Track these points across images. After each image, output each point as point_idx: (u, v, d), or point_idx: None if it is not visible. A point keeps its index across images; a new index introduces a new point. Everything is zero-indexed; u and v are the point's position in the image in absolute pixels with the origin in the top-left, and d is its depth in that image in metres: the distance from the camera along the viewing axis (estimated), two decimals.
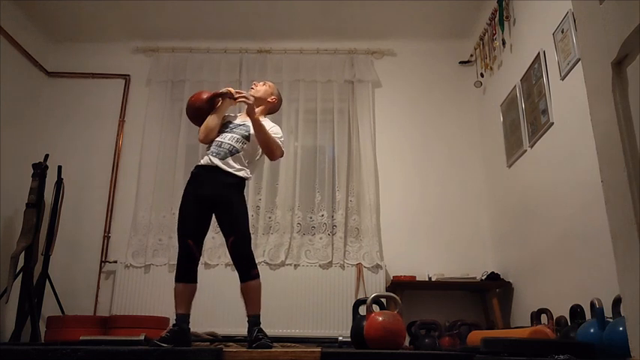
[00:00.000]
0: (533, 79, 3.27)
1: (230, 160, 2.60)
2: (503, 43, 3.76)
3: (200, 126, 2.73)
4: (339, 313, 3.83)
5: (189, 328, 2.51)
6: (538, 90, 3.18)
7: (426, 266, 3.96)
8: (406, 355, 1.88)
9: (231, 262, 2.54)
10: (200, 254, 2.57)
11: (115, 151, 4.44)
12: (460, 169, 4.33)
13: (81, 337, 2.78)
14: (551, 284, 3.00)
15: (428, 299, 3.93)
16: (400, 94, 4.55)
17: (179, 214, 2.61)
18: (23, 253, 3.66)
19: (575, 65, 2.70)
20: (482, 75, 4.24)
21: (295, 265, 4.02)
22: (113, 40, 4.68)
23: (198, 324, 3.38)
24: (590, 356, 1.51)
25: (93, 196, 4.31)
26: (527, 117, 3.36)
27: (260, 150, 2.72)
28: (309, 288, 3.93)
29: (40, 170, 3.83)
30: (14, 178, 4.05)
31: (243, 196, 2.63)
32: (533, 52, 3.26)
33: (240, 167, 2.61)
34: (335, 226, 4.12)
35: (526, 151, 3.38)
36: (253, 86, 2.90)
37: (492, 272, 3.75)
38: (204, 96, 2.76)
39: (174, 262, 2.61)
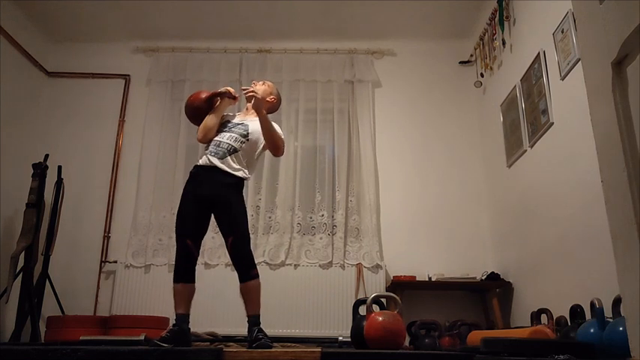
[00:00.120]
0: (533, 79, 3.27)
1: (229, 160, 2.59)
2: (503, 43, 3.76)
3: (199, 125, 2.73)
4: (339, 313, 3.83)
5: (190, 328, 2.51)
6: (538, 90, 3.18)
7: (426, 266, 3.96)
8: (406, 355, 1.88)
9: (231, 262, 2.53)
10: (198, 254, 2.56)
11: (115, 151, 4.44)
12: (460, 169, 4.33)
13: (81, 337, 2.78)
14: (551, 284, 3.00)
15: (428, 299, 3.93)
16: (400, 94, 4.55)
17: (178, 213, 2.60)
18: (23, 253, 3.66)
19: (575, 65, 2.70)
20: (482, 75, 4.24)
21: (295, 265, 4.02)
22: (113, 40, 4.68)
23: (198, 324, 3.38)
24: (590, 356, 1.51)
25: (93, 196, 4.31)
26: (527, 117, 3.36)
27: (259, 149, 2.72)
28: (309, 288, 3.93)
29: (40, 170, 3.83)
30: (14, 178, 4.05)
31: (242, 196, 2.63)
32: (533, 52, 3.26)
33: (238, 167, 2.61)
34: (335, 226, 4.12)
35: (526, 151, 3.38)
36: (252, 85, 2.90)
37: (492, 272, 3.75)
38: (203, 95, 2.76)
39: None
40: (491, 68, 4.05)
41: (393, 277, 3.86)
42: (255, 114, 2.80)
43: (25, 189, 3.83)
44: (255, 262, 2.64)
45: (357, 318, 2.49)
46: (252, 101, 2.64)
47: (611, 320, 1.67)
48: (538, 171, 3.21)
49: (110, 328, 3.49)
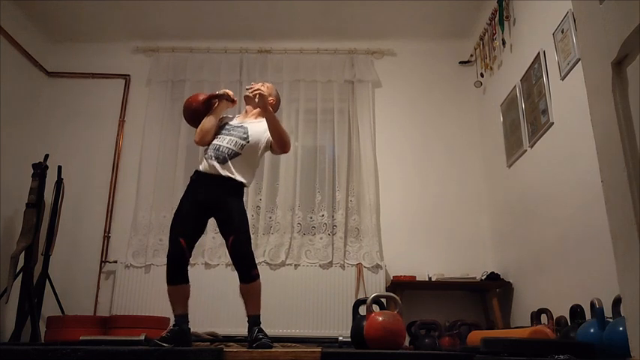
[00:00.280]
0: (533, 79, 3.27)
1: (229, 165, 2.57)
2: (503, 43, 3.76)
3: (197, 128, 2.71)
4: (339, 313, 3.83)
5: (190, 328, 2.51)
6: (538, 90, 3.18)
7: (426, 266, 3.96)
8: (406, 355, 1.89)
9: (232, 262, 2.53)
10: (190, 255, 2.52)
11: (115, 151, 4.44)
12: (460, 169, 4.33)
13: (81, 337, 2.78)
14: (551, 284, 3.00)
15: (428, 299, 3.93)
16: (400, 94, 4.55)
17: (175, 214, 2.58)
18: (23, 253, 3.66)
19: (575, 65, 2.70)
20: (482, 75, 4.25)
21: (295, 265, 4.02)
22: (113, 40, 4.68)
23: (199, 324, 3.39)
24: (590, 356, 1.51)
25: (93, 196, 4.31)
26: (527, 117, 3.36)
27: (260, 152, 2.69)
28: (309, 288, 3.93)
29: (40, 170, 3.83)
30: (14, 178, 4.05)
31: (243, 201, 2.61)
32: (533, 52, 3.26)
33: (239, 172, 2.58)
34: (335, 226, 4.12)
35: (526, 151, 3.38)
36: (251, 87, 2.87)
37: (492, 272, 3.75)
38: (201, 98, 2.74)
39: None
40: (491, 68, 4.05)
41: (393, 277, 3.86)
42: (255, 116, 2.79)
43: (25, 189, 3.83)
44: (256, 262, 2.63)
45: (357, 318, 2.50)
46: (257, 99, 2.60)
47: (611, 320, 1.67)
48: (538, 171, 3.21)
49: (110, 328, 3.49)
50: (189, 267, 2.56)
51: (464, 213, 4.21)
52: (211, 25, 4.50)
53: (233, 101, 2.78)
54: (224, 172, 2.55)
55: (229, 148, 2.60)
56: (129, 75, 4.64)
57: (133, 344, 2.33)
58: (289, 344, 2.80)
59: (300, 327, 3.81)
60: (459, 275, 3.82)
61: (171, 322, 2.50)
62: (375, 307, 2.41)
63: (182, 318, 2.46)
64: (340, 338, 3.13)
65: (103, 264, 4.14)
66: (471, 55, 4.46)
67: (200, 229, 2.58)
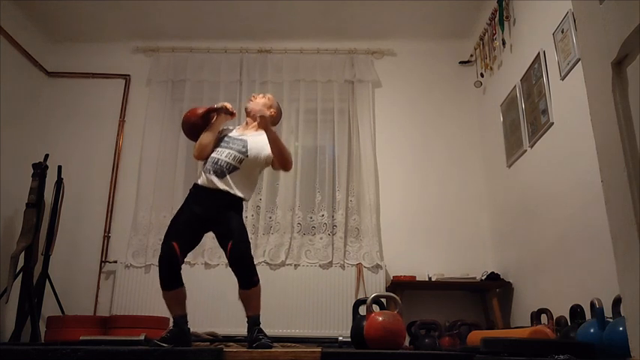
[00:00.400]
0: (533, 79, 3.27)
1: (228, 179, 2.54)
2: (503, 43, 3.76)
3: (196, 141, 2.68)
4: (339, 313, 3.83)
5: (189, 329, 2.51)
6: (538, 90, 3.18)
7: (426, 266, 3.96)
8: (406, 355, 1.89)
9: (231, 269, 2.45)
10: (182, 262, 2.46)
11: (115, 151, 4.44)
12: (460, 169, 4.33)
13: (81, 337, 2.78)
14: (551, 284, 3.00)
15: (428, 299, 3.93)
16: (400, 94, 4.55)
17: (171, 222, 2.55)
18: (23, 253, 3.65)
19: (575, 65, 2.70)
20: (482, 75, 4.24)
21: (295, 265, 4.02)
22: (113, 40, 4.68)
23: (198, 324, 3.39)
24: (590, 356, 1.51)
25: (93, 196, 4.31)
26: (527, 117, 3.36)
27: (259, 166, 2.66)
28: (309, 288, 3.93)
29: (40, 170, 3.83)
30: (14, 178, 4.05)
31: (242, 215, 2.59)
32: (533, 52, 3.26)
33: (237, 187, 2.54)
34: (335, 226, 4.12)
35: (526, 151, 3.38)
36: (252, 98, 2.85)
37: (492, 272, 3.75)
38: (199, 111, 2.70)
39: None
40: (491, 68, 4.05)
41: (393, 277, 3.86)
42: (256, 128, 2.74)
43: (25, 189, 3.82)
44: (256, 262, 2.62)
45: (357, 318, 2.50)
46: (258, 121, 2.58)
47: (611, 320, 1.67)
48: (538, 171, 3.21)
49: (110, 328, 3.49)
50: (189, 267, 2.55)
51: (464, 213, 4.21)
52: (211, 25, 4.50)
53: (232, 114, 2.73)
54: (222, 187, 2.52)
55: (228, 162, 2.57)
56: (129, 75, 4.64)
57: (133, 344, 2.33)
58: (289, 344, 2.80)
59: (300, 327, 3.81)
60: (459, 275, 3.82)
61: (171, 322, 2.49)
62: (375, 307, 2.41)
63: (180, 319, 2.45)
64: (340, 338, 3.13)
65: (103, 264, 4.14)
66: (471, 55, 4.46)
67: (195, 240, 2.54)
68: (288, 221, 4.14)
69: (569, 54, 2.76)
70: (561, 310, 2.44)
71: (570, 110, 2.77)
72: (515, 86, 3.54)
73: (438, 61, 4.61)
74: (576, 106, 2.67)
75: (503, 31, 3.75)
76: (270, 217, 4.18)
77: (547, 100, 3.03)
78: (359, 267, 3.98)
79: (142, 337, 2.54)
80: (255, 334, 2.36)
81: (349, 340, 2.56)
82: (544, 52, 3.11)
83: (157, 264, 2.44)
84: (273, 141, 2.58)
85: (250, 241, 3.22)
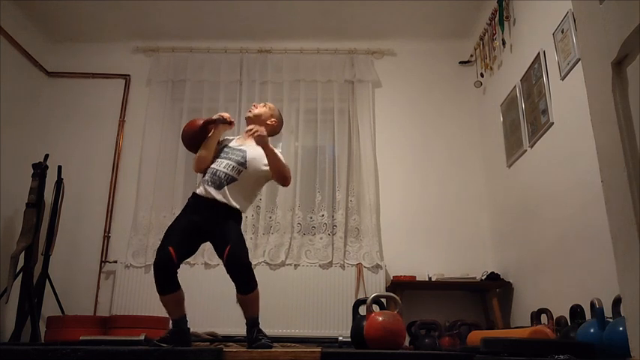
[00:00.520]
0: (533, 79, 3.27)
1: (226, 191, 2.50)
2: (503, 43, 3.76)
3: (196, 153, 2.66)
4: (339, 313, 3.83)
5: (189, 329, 2.50)
6: (538, 90, 3.18)
7: (426, 266, 3.96)
8: (406, 355, 1.89)
9: (228, 274, 2.42)
10: (178, 266, 2.41)
11: (115, 151, 4.44)
12: (460, 169, 4.33)
13: (81, 337, 2.78)
14: (551, 284, 3.00)
15: (428, 299, 3.93)
16: (400, 94, 4.55)
17: (168, 228, 2.52)
18: (23, 253, 3.65)
19: (575, 65, 2.70)
20: (482, 75, 4.24)
21: (295, 265, 4.01)
22: (113, 40, 4.68)
23: (198, 324, 3.39)
24: (590, 356, 1.51)
25: (93, 196, 4.31)
26: (527, 117, 3.36)
27: (258, 178, 2.63)
28: (309, 288, 3.93)
29: (40, 170, 3.83)
30: (14, 178, 4.05)
31: (240, 226, 2.55)
32: (533, 52, 3.26)
33: (235, 198, 2.51)
34: (335, 226, 4.12)
35: (526, 151, 3.38)
36: (253, 108, 2.83)
37: (492, 272, 3.74)
38: (198, 123, 2.67)
39: None
40: (491, 68, 4.05)
41: (393, 277, 3.86)
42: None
43: (25, 189, 3.82)
44: (255, 262, 2.62)
45: (357, 318, 2.49)
46: (255, 138, 2.52)
47: (611, 320, 1.67)
48: (538, 171, 3.21)
49: (110, 328, 3.49)
50: (189, 267, 2.54)
51: (464, 213, 4.21)
52: (211, 25, 4.50)
53: (230, 123, 2.70)
54: (220, 198, 2.49)
55: (226, 173, 2.54)
56: (129, 75, 4.64)
57: (132, 344, 2.33)
58: (289, 344, 2.80)
59: (300, 327, 3.81)
60: (459, 275, 3.82)
61: (171, 322, 2.48)
62: (375, 307, 2.41)
63: (180, 320, 2.43)
64: (340, 338, 3.13)
65: (103, 264, 4.13)
66: (471, 55, 4.46)
67: (192, 249, 2.51)
68: (288, 221, 4.14)
69: (569, 54, 2.76)
70: (561, 310, 2.44)
71: (570, 110, 2.77)
72: (515, 86, 3.54)
73: (438, 61, 4.61)
74: (576, 106, 2.67)
75: (503, 31, 3.75)
76: (270, 217, 4.18)
77: (547, 100, 3.03)
78: (359, 267, 3.98)
79: (142, 337, 2.54)
80: (254, 335, 2.36)
81: (349, 340, 2.56)
82: (544, 52, 3.11)
83: (153, 268, 2.40)
84: (272, 158, 2.55)
85: (250, 240, 3.23)
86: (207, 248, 4.02)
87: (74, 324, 3.46)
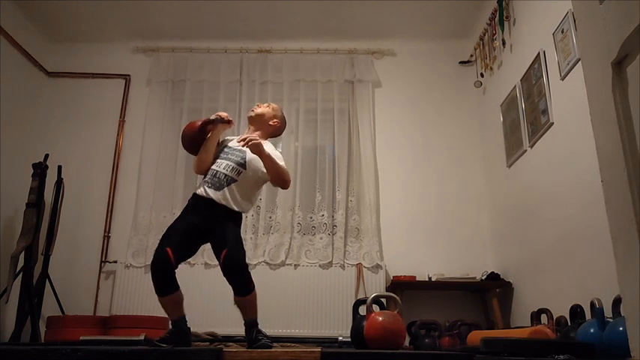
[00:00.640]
0: (533, 79, 3.27)
1: (226, 192, 2.49)
2: (503, 43, 3.76)
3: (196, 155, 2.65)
4: (339, 313, 3.83)
5: (189, 328, 2.50)
6: (538, 90, 3.18)
7: (426, 266, 3.96)
8: (406, 355, 1.89)
9: (225, 278, 2.41)
10: (176, 267, 2.39)
11: (115, 151, 4.44)
12: (460, 169, 4.33)
13: (81, 337, 2.78)
14: (551, 284, 3.00)
15: (428, 299, 3.93)
16: (400, 94, 4.55)
17: (168, 229, 2.51)
18: (23, 253, 3.65)
19: (575, 65, 2.70)
20: (482, 75, 4.24)
21: (295, 265, 4.01)
22: (113, 40, 4.68)
23: (198, 324, 3.38)
24: (590, 356, 1.51)
25: (93, 196, 4.31)
26: (527, 117, 3.36)
27: (258, 179, 2.61)
28: (309, 288, 3.93)
29: (40, 170, 3.83)
30: (14, 178, 4.05)
31: (239, 228, 2.54)
32: (533, 52, 3.26)
33: (234, 200, 2.49)
34: (335, 226, 4.12)
35: (526, 151, 3.38)
36: (256, 107, 2.81)
37: (492, 272, 3.74)
38: (197, 124, 2.65)
39: None
40: (491, 68, 4.05)
41: (393, 277, 3.86)
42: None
43: (25, 189, 3.82)
44: (255, 262, 2.61)
45: (357, 318, 2.49)
46: (249, 147, 2.49)
47: (611, 320, 1.67)
48: (538, 171, 3.21)
49: (110, 328, 3.49)
50: (189, 267, 2.53)
51: (464, 213, 4.21)
52: (211, 25, 4.50)
53: (229, 122, 2.68)
54: (219, 200, 2.48)
55: (225, 175, 2.52)
56: (129, 75, 4.64)
57: (132, 344, 2.33)
58: (289, 344, 2.80)
59: (300, 327, 3.81)
60: (459, 275, 3.81)
61: (170, 324, 2.48)
62: (375, 307, 2.41)
63: (179, 321, 2.42)
64: (340, 338, 3.13)
65: (103, 264, 4.13)
66: (471, 55, 4.46)
67: (191, 250, 2.50)
68: (288, 221, 4.14)
69: (569, 54, 2.76)
70: (561, 310, 2.44)
71: (570, 110, 2.77)
72: (515, 86, 3.54)
73: (438, 61, 4.61)
74: (576, 106, 2.67)
75: (503, 31, 3.75)
76: (270, 217, 4.18)
77: (547, 100, 3.03)
78: (359, 267, 3.98)
79: (142, 337, 2.54)
80: (254, 335, 2.35)
81: (349, 340, 2.55)
82: (544, 52, 3.11)
83: (150, 269, 2.38)
84: (269, 165, 2.52)
85: (250, 240, 3.23)
86: (207, 248, 4.00)
87: (74, 324, 3.46)
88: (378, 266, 3.98)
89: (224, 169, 2.55)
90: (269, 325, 2.72)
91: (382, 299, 2.61)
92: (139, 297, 3.92)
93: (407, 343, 3.07)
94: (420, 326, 3.08)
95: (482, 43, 4.19)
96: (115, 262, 4.09)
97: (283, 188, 2.67)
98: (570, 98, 2.76)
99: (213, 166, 2.59)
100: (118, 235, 4.22)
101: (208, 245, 3.95)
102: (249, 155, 2.57)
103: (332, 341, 3.31)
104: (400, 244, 4.13)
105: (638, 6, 0.99)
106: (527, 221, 3.36)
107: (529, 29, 3.38)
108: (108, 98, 4.57)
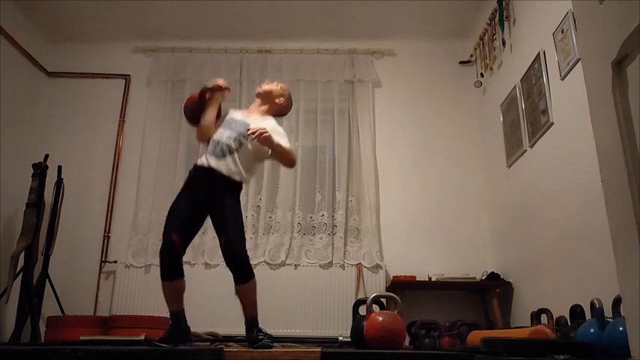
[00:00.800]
0: (533, 79, 3.27)
1: (228, 160, 2.51)
2: (503, 43, 3.76)
3: None
4: (339, 313, 3.83)
5: (189, 327, 2.49)
6: (538, 90, 3.18)
7: (426, 266, 3.96)
8: (406, 355, 1.88)
9: (225, 264, 2.46)
10: (184, 252, 2.47)
11: (115, 151, 4.44)
12: (460, 169, 4.33)
13: (81, 337, 2.78)
14: (551, 284, 3.00)
15: (428, 299, 3.93)
16: (400, 94, 4.55)
17: (170, 209, 2.53)
18: (23, 253, 3.65)
19: (575, 65, 2.70)
20: (482, 75, 4.24)
21: (295, 265, 4.02)
22: (113, 40, 4.68)
23: (198, 324, 3.38)
24: (590, 356, 1.50)
25: (93, 196, 4.31)
26: (527, 117, 3.36)
27: (259, 153, 2.62)
28: (309, 288, 3.93)
29: (40, 170, 3.83)
30: (14, 178, 4.05)
31: (238, 199, 2.56)
32: (533, 52, 3.26)
33: (236, 169, 2.52)
34: (335, 226, 4.12)
35: (526, 151, 3.38)
36: (265, 84, 2.83)
37: (492, 272, 3.75)
38: (196, 95, 2.71)
39: None
40: (491, 68, 4.05)
41: (393, 277, 3.86)
42: (262, 113, 2.74)
43: (25, 189, 3.82)
44: (255, 262, 2.61)
45: (357, 318, 2.49)
46: (260, 140, 2.47)
47: (611, 320, 1.67)
48: (538, 171, 3.21)
49: (110, 328, 3.49)
50: (189, 267, 2.54)
51: (464, 213, 4.21)
52: (211, 25, 4.50)
53: (227, 89, 2.71)
54: (220, 168, 2.50)
55: (227, 144, 2.55)
56: (129, 75, 4.64)
57: (133, 344, 2.33)
58: (289, 344, 2.80)
59: (300, 327, 3.81)
60: (459, 275, 3.81)
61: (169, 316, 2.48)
62: (375, 307, 2.41)
63: (177, 314, 2.44)
64: (340, 338, 3.13)
65: (103, 264, 4.13)
66: (471, 55, 4.46)
67: (195, 227, 2.53)
68: (288, 221, 4.14)
69: (569, 54, 2.76)
70: (561, 310, 2.44)
71: (570, 110, 2.77)
72: (515, 86, 3.54)
73: (438, 61, 4.61)
74: (576, 106, 2.67)
75: (503, 31, 3.75)
76: (270, 217, 4.18)
77: (547, 100, 3.03)
78: (359, 267, 3.98)
79: (142, 337, 2.53)
80: (254, 334, 2.36)
81: (349, 340, 2.55)
82: (544, 52, 3.11)
83: (156, 263, 2.43)
84: (279, 154, 2.58)
85: (250, 240, 3.21)
86: (207, 248, 4.02)
87: (74, 324, 3.46)
88: (378, 266, 3.98)
89: (226, 139, 2.57)
90: (269, 325, 2.71)
91: (382, 299, 2.61)
92: (139, 297, 3.93)
93: (407, 343, 3.07)
94: (420, 326, 3.07)
95: (482, 43, 4.19)
96: (115, 262, 4.09)
97: (290, 167, 2.75)
98: (570, 98, 2.76)
99: (215, 136, 2.60)
100: (118, 235, 4.22)
101: (208, 245, 4.02)
102: (252, 127, 2.55)
103: (332, 341, 3.31)
104: (400, 244, 4.13)
105: (638, 6, 0.99)
106: (527, 221, 3.36)
107: (529, 29, 3.38)
108: (108, 98, 4.57)
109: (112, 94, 4.58)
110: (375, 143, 4.37)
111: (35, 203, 3.75)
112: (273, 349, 2.09)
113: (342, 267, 4.00)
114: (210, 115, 2.66)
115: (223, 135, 2.59)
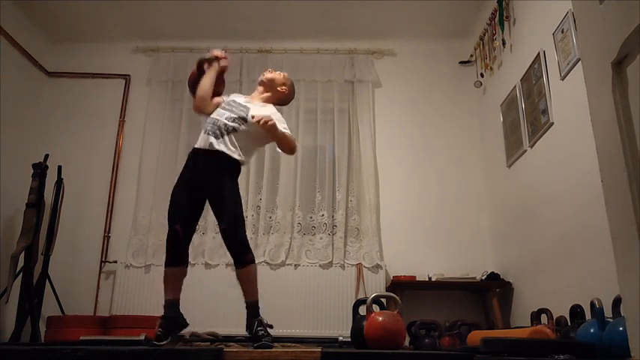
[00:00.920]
0: (533, 79, 3.27)
1: (226, 140, 2.50)
2: (503, 43, 3.76)
3: None
4: (339, 313, 3.83)
5: (182, 316, 2.48)
6: (538, 90, 3.18)
7: (426, 266, 3.96)
8: (406, 355, 1.88)
9: (232, 262, 2.48)
10: (190, 239, 2.51)
11: (115, 151, 4.44)
12: (460, 169, 4.33)
13: (81, 337, 2.78)
14: (551, 284, 3.00)
15: (428, 299, 3.93)
16: (400, 94, 4.55)
17: (170, 197, 2.56)
18: (23, 253, 3.66)
19: (575, 65, 2.70)
20: (482, 75, 4.24)
21: (295, 265, 4.02)
22: (113, 40, 4.68)
23: (198, 324, 3.38)
24: (590, 356, 1.50)
25: (93, 196, 4.31)
26: (527, 117, 3.36)
27: (257, 138, 2.61)
28: (309, 288, 3.93)
29: (40, 170, 3.83)
30: (14, 178, 4.05)
31: (237, 182, 2.55)
32: (533, 52, 3.26)
33: (234, 149, 2.50)
34: (335, 226, 4.12)
35: (526, 151, 3.38)
36: (268, 73, 2.87)
37: (492, 272, 3.75)
38: (196, 69, 2.73)
39: None
40: (491, 68, 4.05)
41: (393, 277, 3.86)
42: (264, 100, 2.76)
43: (25, 189, 3.82)
44: (256, 262, 2.59)
45: (357, 318, 2.49)
46: (265, 128, 2.48)
47: (611, 320, 1.67)
48: (538, 171, 3.21)
49: (110, 328, 3.49)
50: (189, 267, 2.54)
51: (464, 213, 4.21)
52: (211, 25, 4.50)
53: (224, 58, 2.73)
54: (219, 147, 2.48)
55: (226, 124, 2.53)
56: (129, 75, 4.64)
57: (133, 344, 2.33)
58: (289, 344, 2.80)
59: (300, 327, 3.81)
60: (459, 275, 3.81)
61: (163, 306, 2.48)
62: (375, 307, 2.41)
63: (172, 303, 2.43)
64: (340, 338, 3.13)
65: (103, 264, 4.13)
66: (471, 55, 4.46)
67: (195, 212, 2.55)
68: (288, 221, 4.14)
69: (569, 54, 2.76)
70: (561, 310, 2.44)
71: (570, 110, 2.77)
72: (515, 86, 3.54)
73: (438, 61, 4.61)
74: (576, 106, 2.67)
75: (503, 31, 3.75)
76: (270, 217, 4.18)
77: (547, 100, 3.03)
78: (359, 267, 3.98)
79: (142, 337, 2.54)
80: (255, 328, 2.35)
81: (349, 340, 2.55)
82: (544, 52, 3.11)
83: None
84: (282, 143, 2.59)
85: (251, 240, 3.18)
86: (207, 248, 4.02)
87: (74, 324, 3.46)
88: (378, 266, 3.98)
89: (226, 119, 2.56)
90: None
91: (382, 299, 2.61)
92: (139, 297, 3.93)
93: (407, 343, 3.07)
94: (420, 326, 3.07)
95: (482, 43, 4.19)
96: (115, 262, 4.09)
97: (291, 154, 2.74)
98: (570, 98, 2.76)
99: (215, 115, 2.60)
100: (118, 235, 4.22)
101: (208, 245, 4.02)
102: (253, 111, 2.58)
103: (332, 341, 3.31)
104: (400, 244, 4.13)
105: (638, 6, 0.99)
106: (527, 221, 3.36)
107: (529, 29, 3.38)
108: (108, 98, 4.57)
109: (112, 94, 4.58)
110: (375, 143, 4.37)
111: (35, 203, 3.75)
112: (273, 349, 2.09)
113: (342, 267, 4.00)
114: (205, 83, 2.66)
115: (223, 115, 2.59)
